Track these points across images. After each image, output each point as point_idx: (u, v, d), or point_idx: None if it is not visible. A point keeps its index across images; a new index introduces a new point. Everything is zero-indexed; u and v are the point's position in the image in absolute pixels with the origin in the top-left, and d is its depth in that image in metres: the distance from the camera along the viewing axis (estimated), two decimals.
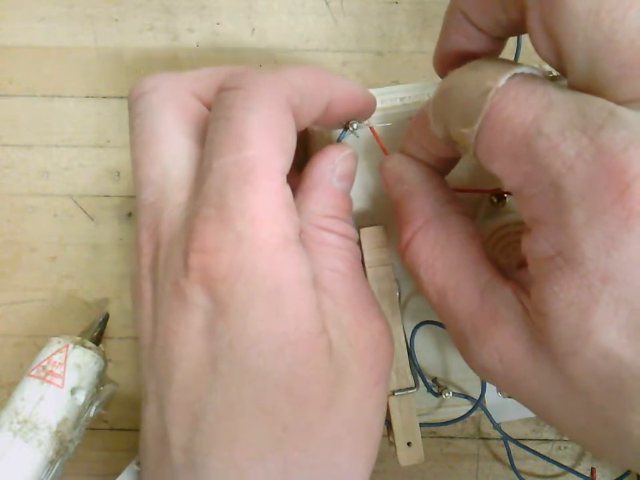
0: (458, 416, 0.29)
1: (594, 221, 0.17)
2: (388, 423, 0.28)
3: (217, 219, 0.20)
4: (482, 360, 0.21)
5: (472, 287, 0.22)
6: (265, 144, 0.20)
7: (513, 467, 0.30)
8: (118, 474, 0.33)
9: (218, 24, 0.34)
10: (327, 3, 0.33)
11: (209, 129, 0.21)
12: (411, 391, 0.27)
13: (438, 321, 0.28)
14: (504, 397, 0.29)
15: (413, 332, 0.28)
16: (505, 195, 0.28)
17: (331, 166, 0.24)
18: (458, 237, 0.23)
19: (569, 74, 0.19)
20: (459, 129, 0.20)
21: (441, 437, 0.33)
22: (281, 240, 0.20)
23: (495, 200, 0.28)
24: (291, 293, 0.20)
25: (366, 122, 0.27)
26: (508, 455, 0.30)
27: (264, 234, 0.20)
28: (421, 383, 0.28)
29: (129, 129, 0.24)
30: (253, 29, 0.34)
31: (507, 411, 0.30)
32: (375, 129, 0.27)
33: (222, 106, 0.21)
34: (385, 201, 0.29)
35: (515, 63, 0.20)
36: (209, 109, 0.24)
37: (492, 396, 0.29)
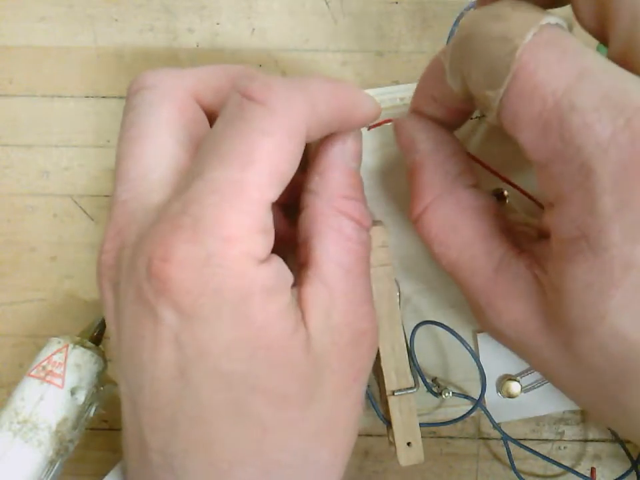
0: (458, 416, 0.29)
1: (624, 209, 0.16)
2: (388, 422, 0.28)
3: (190, 230, 0.19)
4: (496, 328, 0.22)
5: (485, 262, 0.22)
6: (267, 172, 0.19)
7: (513, 467, 0.30)
8: None
9: (218, 24, 0.34)
10: (326, 3, 0.33)
11: (213, 134, 0.20)
12: (411, 391, 0.27)
13: (438, 322, 0.28)
14: (504, 397, 0.29)
15: (412, 332, 0.28)
16: (506, 195, 0.28)
17: (343, 147, 0.23)
18: (469, 213, 0.23)
19: (611, 41, 0.18)
20: (481, 89, 0.19)
21: (440, 437, 0.33)
22: (251, 259, 0.20)
23: (495, 198, 0.28)
24: (257, 301, 0.20)
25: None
26: (508, 455, 0.30)
27: (234, 252, 0.19)
28: (420, 383, 0.28)
29: (121, 122, 0.23)
30: (253, 29, 0.34)
31: (506, 411, 0.30)
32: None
33: (236, 116, 0.20)
34: (387, 199, 0.29)
35: (541, 10, 0.19)
36: (207, 112, 0.24)
37: (492, 396, 0.29)
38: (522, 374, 0.29)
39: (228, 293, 0.19)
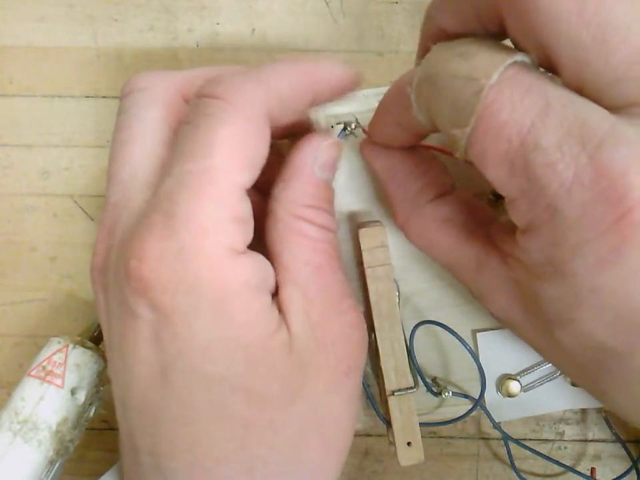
0: (458, 415, 0.29)
1: (587, 245, 0.17)
2: (388, 422, 0.28)
3: (162, 227, 0.19)
4: (490, 312, 0.23)
5: (467, 262, 0.23)
6: (231, 157, 0.20)
7: (513, 466, 0.30)
8: None
9: (218, 24, 0.34)
10: (327, 3, 0.33)
11: (178, 134, 0.21)
12: (411, 391, 0.27)
13: (437, 321, 0.28)
14: (504, 397, 0.29)
15: (412, 331, 0.28)
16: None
17: (313, 154, 0.23)
18: (436, 225, 0.24)
19: (561, 78, 0.18)
20: (447, 127, 0.19)
21: (440, 436, 0.33)
22: (227, 251, 0.20)
23: (494, 198, 0.28)
24: (238, 299, 0.20)
25: (362, 125, 0.27)
26: (508, 455, 0.30)
27: (207, 245, 0.19)
28: (420, 382, 0.28)
29: (115, 125, 0.23)
30: (253, 29, 0.34)
31: (506, 410, 0.30)
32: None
33: (195, 114, 0.20)
34: (385, 200, 0.29)
35: (506, 48, 0.19)
36: None
37: (492, 395, 0.29)
38: (522, 373, 0.29)
39: (205, 288, 0.19)
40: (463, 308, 0.29)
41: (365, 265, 0.27)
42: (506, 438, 0.29)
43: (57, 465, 0.29)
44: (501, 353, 0.29)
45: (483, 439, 0.33)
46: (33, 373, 0.29)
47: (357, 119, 0.28)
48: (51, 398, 0.28)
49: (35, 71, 0.34)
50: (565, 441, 0.33)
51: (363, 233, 0.27)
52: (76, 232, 0.34)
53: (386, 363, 0.27)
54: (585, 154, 0.16)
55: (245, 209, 0.20)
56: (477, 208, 0.25)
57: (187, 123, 0.21)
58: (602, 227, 0.17)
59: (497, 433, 0.33)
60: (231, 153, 0.20)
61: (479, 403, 0.28)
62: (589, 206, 0.17)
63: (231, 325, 0.20)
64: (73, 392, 0.29)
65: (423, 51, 0.23)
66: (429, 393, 0.28)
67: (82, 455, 0.33)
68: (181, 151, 0.20)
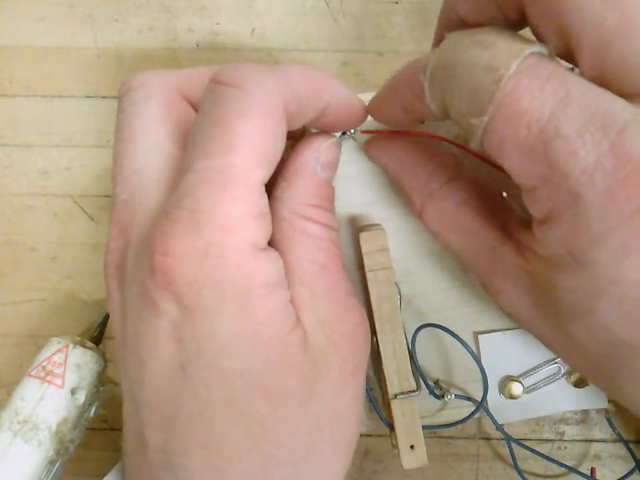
0: (460, 418, 0.29)
1: (610, 233, 0.17)
2: (390, 426, 0.28)
3: (187, 223, 0.19)
4: (498, 304, 0.23)
5: (483, 250, 0.23)
6: (251, 153, 0.20)
7: (516, 467, 0.30)
8: None
9: (218, 24, 0.34)
10: (327, 3, 0.33)
11: (195, 126, 0.21)
12: (413, 394, 0.27)
13: (439, 324, 0.28)
14: (506, 399, 0.29)
15: (414, 334, 0.28)
16: (504, 196, 0.28)
17: (315, 154, 0.24)
18: (452, 210, 0.24)
19: (580, 67, 0.18)
20: (464, 116, 0.19)
21: (441, 437, 0.33)
22: (250, 247, 0.20)
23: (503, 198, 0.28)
24: (259, 295, 0.20)
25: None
26: (511, 455, 0.30)
27: (233, 241, 0.19)
28: (422, 385, 0.28)
29: (115, 124, 0.23)
30: (253, 29, 0.34)
31: (509, 412, 0.30)
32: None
33: (213, 104, 0.20)
34: (385, 203, 0.29)
35: (524, 39, 0.19)
36: (196, 109, 0.24)
37: (494, 397, 0.29)
38: (524, 375, 0.29)
39: (229, 285, 0.19)
40: (465, 310, 0.29)
41: (366, 269, 0.27)
42: (509, 439, 0.29)
43: (56, 465, 0.29)
44: (503, 355, 0.29)
45: (483, 439, 0.33)
46: (33, 373, 0.29)
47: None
48: (51, 398, 0.28)
49: (35, 71, 0.34)
50: (565, 441, 0.33)
51: (363, 236, 0.27)
52: (76, 232, 0.34)
53: (388, 366, 0.27)
54: (606, 141, 0.16)
55: (264, 204, 0.21)
56: (491, 195, 0.25)
57: (203, 113, 0.20)
58: (626, 213, 0.16)
59: (497, 433, 0.33)
60: (251, 149, 0.19)
61: (481, 405, 0.28)
62: (612, 192, 0.16)
63: (251, 321, 0.20)
64: (73, 392, 0.29)
65: (439, 39, 0.22)
66: (432, 396, 0.28)
67: (82, 455, 0.33)
68: (200, 145, 0.20)
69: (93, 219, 0.34)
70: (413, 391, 0.27)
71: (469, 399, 0.29)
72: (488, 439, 0.33)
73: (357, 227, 0.29)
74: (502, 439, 0.33)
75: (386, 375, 0.27)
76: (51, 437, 0.28)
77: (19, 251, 0.34)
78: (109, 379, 0.32)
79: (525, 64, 0.18)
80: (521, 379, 0.29)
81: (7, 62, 0.34)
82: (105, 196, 0.34)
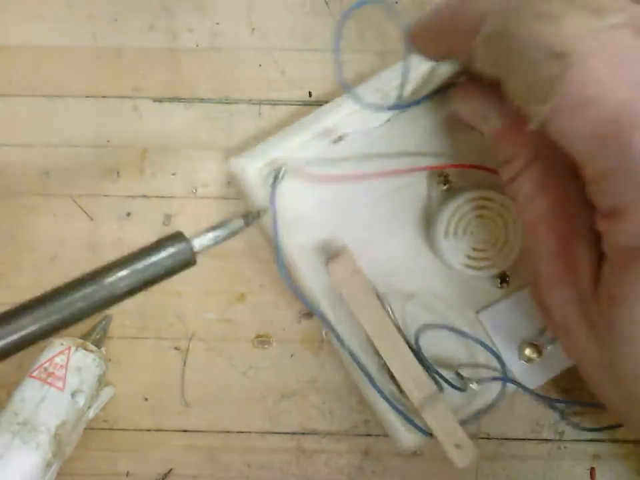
0: (491, 400, 0.29)
1: None
2: (430, 434, 0.27)
3: None
4: (543, 301, 0.21)
5: (560, 233, 0.20)
6: None
7: (544, 398, 0.30)
8: (116, 474, 0.34)
9: (218, 24, 0.34)
10: (326, 3, 0.33)
11: None
12: (437, 395, 0.26)
13: (437, 323, 0.28)
14: (528, 363, 0.29)
15: (416, 338, 0.28)
16: (450, 181, 0.28)
17: None
18: (555, 182, 0.21)
19: None
20: (522, 100, 0.17)
21: None
22: None
23: (444, 186, 0.28)
24: None
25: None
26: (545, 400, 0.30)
27: None
28: (444, 384, 0.28)
29: None
30: (253, 29, 0.34)
31: (535, 375, 0.29)
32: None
33: None
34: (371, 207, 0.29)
35: (594, 6, 0.16)
36: None
37: (515, 365, 0.29)
38: (537, 336, 0.29)
39: None
40: (460, 300, 0.29)
41: (346, 298, 0.27)
42: (545, 400, 0.29)
43: (53, 467, 0.29)
44: (510, 323, 0.29)
45: (483, 438, 0.33)
46: (34, 374, 0.29)
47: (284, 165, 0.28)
48: (51, 400, 0.28)
49: (35, 71, 0.34)
50: (564, 441, 0.33)
51: (332, 268, 0.27)
52: (76, 232, 0.34)
53: (404, 381, 0.27)
54: None
55: None
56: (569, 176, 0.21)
57: None
58: None
59: (497, 433, 0.33)
60: None
61: (505, 379, 0.28)
62: None
63: None
64: (73, 395, 0.29)
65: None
66: (456, 391, 0.28)
67: (82, 455, 0.33)
68: None
69: (92, 219, 0.34)
70: (436, 393, 0.26)
71: (493, 378, 0.28)
72: (488, 438, 0.33)
73: (326, 256, 0.29)
74: (503, 439, 0.33)
75: (405, 390, 0.27)
76: (49, 439, 0.28)
77: (18, 250, 0.34)
78: (107, 382, 0.32)
79: (599, 40, 0.16)
80: (535, 341, 0.29)
81: (6, 62, 0.34)
82: (105, 196, 0.34)
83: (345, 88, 0.27)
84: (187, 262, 0.21)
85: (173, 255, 0.21)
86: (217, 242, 0.22)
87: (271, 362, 0.34)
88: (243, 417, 0.34)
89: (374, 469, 0.33)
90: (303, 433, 0.34)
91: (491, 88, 0.20)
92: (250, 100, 0.34)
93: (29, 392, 0.28)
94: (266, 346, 0.34)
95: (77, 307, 0.20)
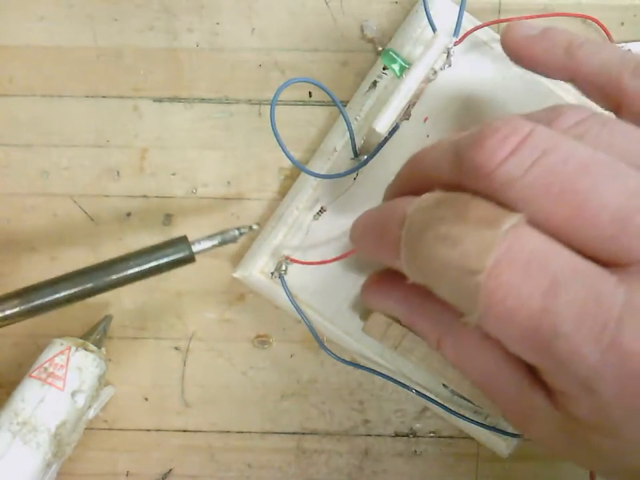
0: None
1: (633, 414, 0.16)
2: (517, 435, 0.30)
3: None
4: (530, 437, 0.21)
5: (507, 388, 0.20)
6: None
7: None
8: (116, 474, 0.34)
9: (218, 24, 0.34)
10: (326, 3, 0.33)
11: None
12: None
13: None
14: None
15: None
16: None
17: None
18: (476, 345, 0.21)
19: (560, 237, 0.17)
20: (455, 305, 0.18)
21: (440, 436, 0.33)
22: None
23: None
24: None
25: None
26: None
27: None
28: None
29: None
30: (253, 29, 0.34)
31: None
32: None
33: None
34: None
35: (491, 208, 0.17)
36: None
37: None
38: None
39: None
40: None
41: (391, 349, 0.28)
42: None
43: (53, 467, 0.29)
44: None
45: None
46: (34, 374, 0.29)
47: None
48: (51, 400, 0.28)
49: (35, 71, 0.34)
50: None
51: (366, 329, 0.28)
52: (76, 232, 0.34)
53: (474, 398, 0.29)
54: (607, 334, 0.16)
55: None
56: None
57: None
58: None
59: None
60: None
61: None
62: (624, 384, 0.16)
63: None
64: (73, 395, 0.29)
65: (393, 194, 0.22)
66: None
67: (82, 455, 0.33)
68: None
69: (92, 219, 0.34)
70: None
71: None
72: None
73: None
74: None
75: (478, 404, 0.29)
76: (49, 439, 0.28)
77: (19, 250, 0.34)
78: (107, 381, 0.32)
79: (501, 251, 0.16)
80: None
81: (6, 62, 0.34)
82: (105, 196, 0.34)
83: (300, 168, 0.30)
84: (187, 258, 0.25)
85: (176, 251, 0.25)
86: (214, 246, 0.26)
87: (271, 362, 0.34)
88: (243, 417, 0.34)
89: (374, 469, 0.33)
90: (303, 433, 0.34)
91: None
92: (250, 100, 0.34)
93: (29, 392, 0.28)
94: (266, 346, 0.34)
95: (96, 282, 0.25)
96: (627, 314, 0.16)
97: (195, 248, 0.25)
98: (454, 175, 0.18)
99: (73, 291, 0.24)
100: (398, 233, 0.19)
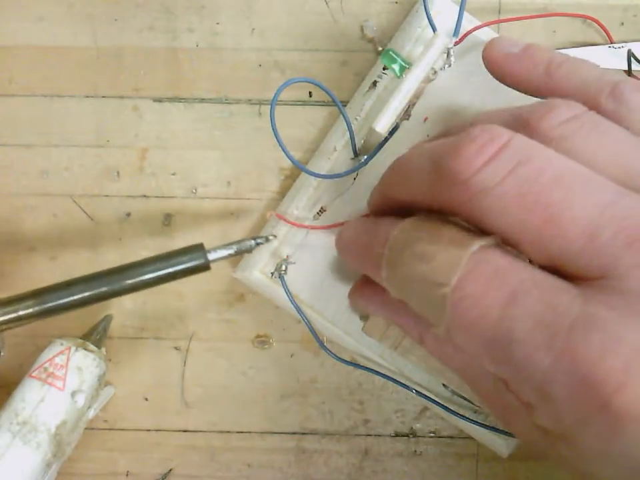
0: None
1: (585, 422, 0.17)
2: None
3: None
4: (511, 431, 0.22)
5: (485, 384, 0.21)
6: None
7: None
8: (116, 474, 0.34)
9: (218, 24, 0.34)
10: (326, 3, 0.33)
11: None
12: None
13: None
14: None
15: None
16: None
17: None
18: (453, 344, 0.22)
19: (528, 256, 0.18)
20: (426, 317, 0.19)
21: (440, 436, 0.33)
22: None
23: None
24: None
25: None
26: None
27: None
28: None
29: None
30: (253, 29, 0.34)
31: None
32: None
33: None
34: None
35: (463, 233, 0.19)
36: None
37: None
38: None
39: None
40: None
41: (392, 350, 0.29)
42: None
43: (53, 467, 0.29)
44: None
45: None
46: (34, 374, 0.29)
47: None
48: (51, 400, 0.28)
49: (35, 71, 0.34)
50: None
51: (366, 330, 0.29)
52: (76, 232, 0.34)
53: (473, 396, 0.29)
54: (559, 342, 0.16)
55: None
56: None
57: None
58: (593, 409, 0.16)
59: None
60: None
61: None
62: (575, 391, 0.16)
63: None
64: (73, 395, 0.29)
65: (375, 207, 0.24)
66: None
67: (81, 455, 0.33)
68: None
69: (92, 219, 0.34)
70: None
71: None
72: None
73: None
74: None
75: (478, 403, 0.30)
76: (49, 439, 0.28)
77: (18, 250, 0.34)
78: (107, 381, 0.32)
79: (467, 268, 0.18)
80: None
81: (6, 62, 0.34)
82: (105, 196, 0.34)
83: (300, 168, 0.29)
84: (203, 266, 0.25)
85: (192, 259, 0.25)
86: (230, 255, 0.26)
87: (271, 362, 0.34)
88: (243, 417, 0.34)
89: (374, 469, 0.33)
90: (303, 433, 0.34)
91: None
92: (250, 100, 0.34)
93: (29, 392, 0.28)
94: (266, 346, 0.34)
95: (111, 285, 0.25)
96: (579, 323, 0.16)
97: (211, 256, 0.25)
98: (432, 180, 0.19)
99: (87, 293, 0.24)
100: (381, 251, 0.21)
